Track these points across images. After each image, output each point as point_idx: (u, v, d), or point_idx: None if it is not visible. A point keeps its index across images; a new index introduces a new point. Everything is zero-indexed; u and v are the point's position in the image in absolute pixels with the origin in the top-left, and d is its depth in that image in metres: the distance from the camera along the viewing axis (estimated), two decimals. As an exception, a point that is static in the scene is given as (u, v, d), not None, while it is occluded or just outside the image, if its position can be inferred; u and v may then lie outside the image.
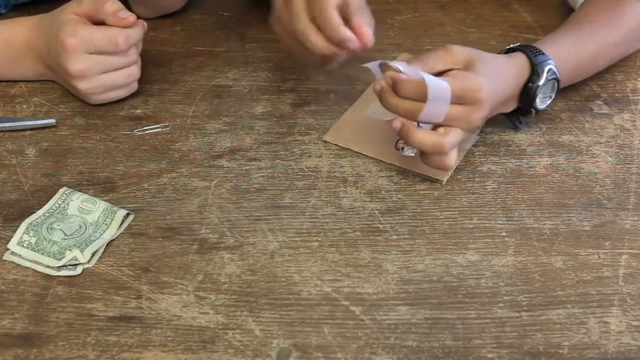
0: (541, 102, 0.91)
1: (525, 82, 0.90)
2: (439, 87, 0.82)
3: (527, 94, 0.90)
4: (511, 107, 0.92)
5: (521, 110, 0.92)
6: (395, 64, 0.85)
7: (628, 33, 0.99)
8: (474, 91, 0.83)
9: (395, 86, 0.84)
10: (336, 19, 0.86)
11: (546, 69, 0.89)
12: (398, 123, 0.85)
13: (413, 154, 0.88)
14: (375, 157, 0.92)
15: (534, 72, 0.89)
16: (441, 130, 0.84)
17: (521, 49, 0.91)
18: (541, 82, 0.89)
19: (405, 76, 0.84)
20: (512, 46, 0.93)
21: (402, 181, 0.89)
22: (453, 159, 0.86)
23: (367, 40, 0.87)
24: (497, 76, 0.87)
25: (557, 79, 0.91)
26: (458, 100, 0.83)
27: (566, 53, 0.93)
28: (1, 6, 1.10)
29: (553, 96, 0.92)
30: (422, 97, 0.82)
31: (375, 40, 0.89)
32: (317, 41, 0.87)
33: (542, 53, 0.90)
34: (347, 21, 0.88)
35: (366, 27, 0.87)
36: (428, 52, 0.87)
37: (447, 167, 0.86)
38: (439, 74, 0.85)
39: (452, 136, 0.84)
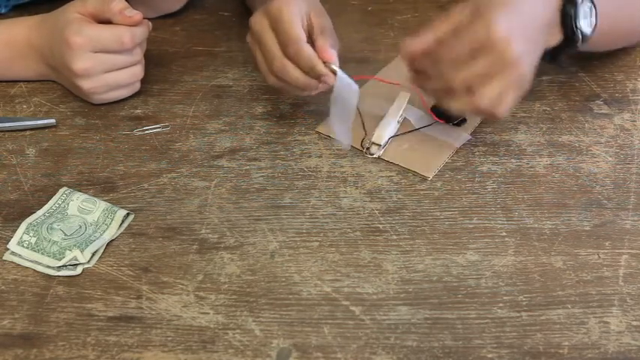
0: (585, 25, 0.86)
1: (563, 6, 0.85)
2: (346, 85, 0.85)
3: (568, 15, 0.85)
4: (555, 37, 0.86)
5: (568, 39, 0.87)
6: (334, 66, 0.86)
7: None
8: (484, 34, 0.77)
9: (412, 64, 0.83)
10: (312, 56, 0.86)
11: None
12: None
13: (377, 155, 0.90)
14: (358, 148, 0.93)
15: None
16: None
17: None
18: (579, 1, 0.85)
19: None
20: None
21: (402, 181, 0.89)
22: (502, 113, 0.81)
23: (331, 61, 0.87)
24: (518, 2, 0.80)
25: (593, 2, 0.87)
26: (476, 52, 0.77)
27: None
28: (1, 6, 1.10)
29: (594, 21, 0.87)
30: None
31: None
32: (297, 77, 0.87)
33: None
34: (312, 42, 0.88)
35: (329, 49, 0.87)
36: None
37: (497, 118, 0.82)
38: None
39: (486, 92, 0.78)
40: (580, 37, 0.86)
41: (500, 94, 0.79)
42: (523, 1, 0.81)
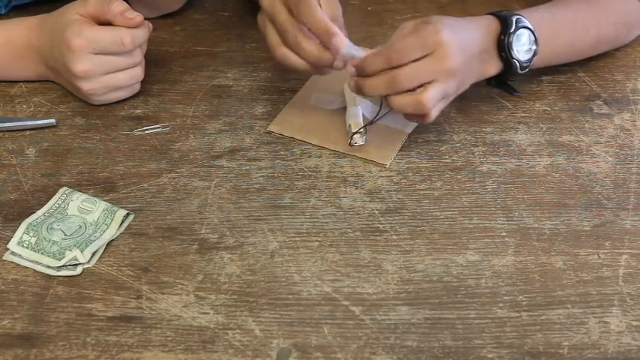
0: (520, 53, 0.91)
1: (498, 37, 0.90)
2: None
3: (502, 46, 0.90)
4: (493, 67, 0.92)
5: (506, 68, 0.92)
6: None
7: (610, 15, 1.00)
8: (433, 35, 0.84)
9: (361, 69, 0.86)
10: (325, 18, 0.85)
11: (514, 19, 0.90)
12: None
13: (362, 142, 0.91)
14: (319, 145, 0.93)
15: (503, 24, 0.90)
16: (419, 89, 0.85)
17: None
18: (511, 30, 0.90)
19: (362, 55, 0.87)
20: None
21: (402, 181, 0.90)
22: (432, 115, 0.86)
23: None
24: (458, 26, 0.88)
25: (530, 29, 0.91)
26: (423, 50, 0.84)
27: (539, 17, 0.93)
28: (1, 7, 1.10)
29: (534, 48, 0.92)
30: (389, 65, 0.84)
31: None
32: (311, 50, 0.86)
33: (509, 11, 0.92)
34: None
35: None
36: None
37: (426, 120, 0.87)
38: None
39: (431, 92, 0.84)
40: (518, 65, 0.92)
41: (439, 98, 0.86)
42: (462, 27, 0.88)
